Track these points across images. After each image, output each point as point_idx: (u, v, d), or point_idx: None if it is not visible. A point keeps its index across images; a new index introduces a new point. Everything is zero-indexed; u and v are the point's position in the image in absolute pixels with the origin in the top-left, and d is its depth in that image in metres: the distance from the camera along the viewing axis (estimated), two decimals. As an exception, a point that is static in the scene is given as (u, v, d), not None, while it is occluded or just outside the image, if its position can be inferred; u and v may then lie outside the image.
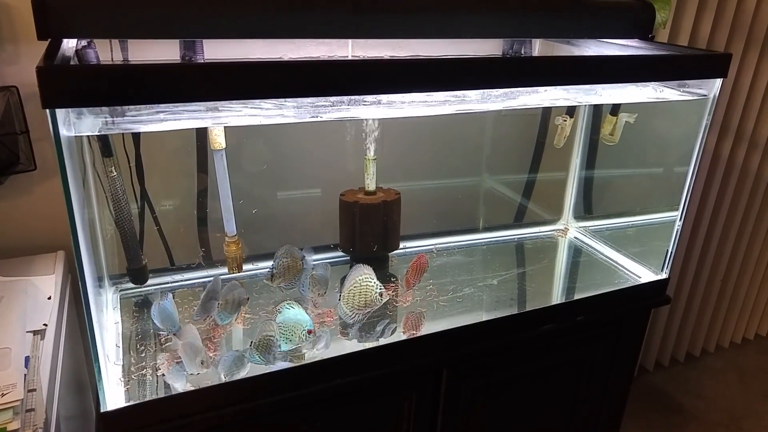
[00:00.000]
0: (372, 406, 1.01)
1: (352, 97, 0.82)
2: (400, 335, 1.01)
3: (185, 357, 0.86)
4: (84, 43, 0.91)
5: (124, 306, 1.06)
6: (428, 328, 1.03)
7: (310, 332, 0.92)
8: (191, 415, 0.84)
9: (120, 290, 1.09)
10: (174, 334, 0.93)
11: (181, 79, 0.67)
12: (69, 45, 0.77)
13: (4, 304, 0.93)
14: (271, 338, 0.88)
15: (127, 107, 0.72)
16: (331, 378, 0.93)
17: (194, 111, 0.77)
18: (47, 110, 0.63)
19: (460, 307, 1.10)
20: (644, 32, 1.15)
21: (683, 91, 1.08)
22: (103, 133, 0.88)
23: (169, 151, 1.10)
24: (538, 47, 1.24)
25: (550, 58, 1.12)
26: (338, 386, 0.93)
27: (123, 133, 1.01)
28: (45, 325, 0.92)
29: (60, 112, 0.65)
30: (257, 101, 0.78)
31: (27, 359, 0.84)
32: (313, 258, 1.09)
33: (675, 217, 1.17)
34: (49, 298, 0.97)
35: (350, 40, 1.06)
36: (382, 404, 1.02)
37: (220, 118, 0.78)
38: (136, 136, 1.03)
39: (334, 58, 1.02)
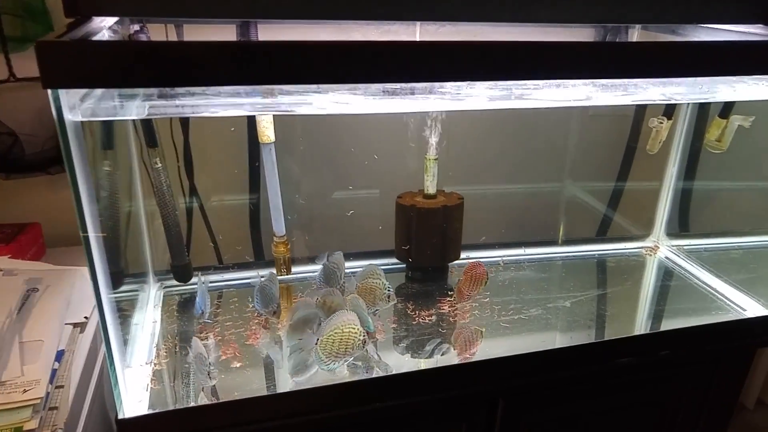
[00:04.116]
0: (415, 434, 0.92)
1: (419, 85, 0.72)
2: (452, 357, 0.90)
3: (197, 369, 0.80)
4: (137, 27, 0.87)
5: (167, 304, 1.02)
6: (485, 351, 0.91)
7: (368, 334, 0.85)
8: (214, 430, 0.78)
9: (164, 287, 1.05)
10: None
11: (200, 59, 0.58)
12: (101, 24, 0.72)
13: (48, 293, 0.91)
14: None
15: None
16: (369, 401, 0.84)
17: (234, 96, 0.70)
18: (49, 91, 0.57)
19: (525, 330, 0.97)
20: (770, 16, 0.94)
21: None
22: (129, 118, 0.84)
23: (217, 144, 1.05)
24: (636, 37, 1.08)
25: (657, 44, 0.95)
26: (376, 410, 0.85)
27: (171, 122, 0.97)
28: (86, 318, 0.88)
29: (66, 95, 0.58)
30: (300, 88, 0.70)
31: (60, 353, 0.80)
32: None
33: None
34: (96, 289, 0.95)
35: (418, 25, 0.95)
36: (426, 433, 0.93)
37: (256, 107, 0.71)
38: (185, 126, 0.99)
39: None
